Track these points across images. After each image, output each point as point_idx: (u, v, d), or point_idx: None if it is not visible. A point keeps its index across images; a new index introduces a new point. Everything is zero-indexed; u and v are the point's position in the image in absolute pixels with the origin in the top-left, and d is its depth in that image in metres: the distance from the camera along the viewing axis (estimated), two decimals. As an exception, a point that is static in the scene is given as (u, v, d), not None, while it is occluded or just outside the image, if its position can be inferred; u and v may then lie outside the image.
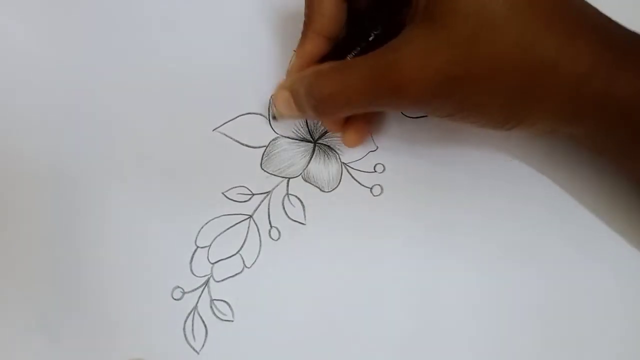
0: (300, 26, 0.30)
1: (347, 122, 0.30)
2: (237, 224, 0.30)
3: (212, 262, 0.29)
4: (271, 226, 0.30)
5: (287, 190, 0.30)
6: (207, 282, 0.29)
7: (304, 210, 0.30)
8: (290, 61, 0.32)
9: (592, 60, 0.23)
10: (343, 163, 0.31)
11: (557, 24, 0.23)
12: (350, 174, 0.31)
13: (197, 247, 0.29)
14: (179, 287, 0.29)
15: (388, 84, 0.24)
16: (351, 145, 0.31)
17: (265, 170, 0.31)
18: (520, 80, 0.24)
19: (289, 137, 0.31)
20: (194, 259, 0.29)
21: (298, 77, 0.27)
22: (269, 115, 0.32)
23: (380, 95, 0.25)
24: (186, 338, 0.28)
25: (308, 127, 0.32)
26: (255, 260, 0.29)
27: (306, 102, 0.27)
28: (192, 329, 0.28)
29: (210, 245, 0.30)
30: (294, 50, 0.29)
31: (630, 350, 0.28)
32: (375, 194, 0.30)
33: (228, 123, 0.31)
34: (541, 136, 0.30)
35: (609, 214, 0.29)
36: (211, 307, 0.29)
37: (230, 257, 0.29)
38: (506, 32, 0.23)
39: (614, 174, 0.29)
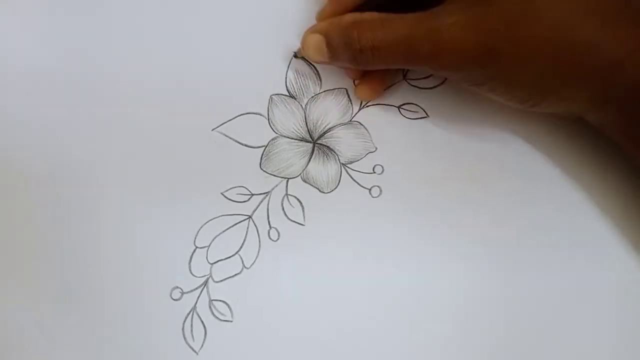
0: (300, 25, 0.30)
1: (364, 74, 0.30)
2: (236, 224, 0.30)
3: (211, 262, 0.29)
4: (270, 227, 0.30)
5: (287, 190, 0.30)
6: (206, 283, 0.29)
7: (303, 211, 0.30)
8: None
9: (629, 48, 0.24)
10: (342, 164, 0.31)
11: (599, 9, 0.24)
12: (350, 175, 0.31)
13: (196, 247, 0.29)
14: (177, 287, 0.29)
15: (427, 48, 0.25)
16: (364, 97, 0.31)
17: (264, 171, 0.31)
18: (556, 61, 0.24)
19: (288, 137, 0.31)
20: (192, 259, 0.29)
21: (334, 24, 0.28)
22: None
23: (416, 57, 0.26)
24: (185, 338, 0.28)
25: (307, 127, 0.32)
26: (254, 261, 0.29)
27: (343, 51, 0.27)
28: (191, 330, 0.28)
29: (209, 245, 0.30)
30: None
31: None
32: (374, 195, 0.30)
33: (227, 123, 0.31)
34: (566, 121, 0.30)
35: (623, 216, 0.30)
36: (210, 307, 0.29)
37: (229, 257, 0.29)
38: (550, 15, 0.24)
39: (635, 169, 0.29)
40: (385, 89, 0.31)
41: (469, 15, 0.25)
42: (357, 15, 0.27)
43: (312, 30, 0.28)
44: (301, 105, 0.32)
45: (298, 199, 0.30)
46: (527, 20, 0.24)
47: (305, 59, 0.31)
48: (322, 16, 0.29)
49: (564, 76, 0.25)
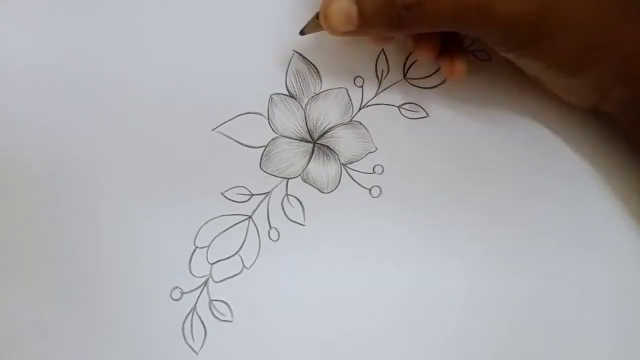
0: (300, 26, 0.30)
1: (442, 54, 0.29)
2: (236, 224, 0.30)
3: (211, 262, 0.29)
4: (270, 227, 0.30)
5: (287, 190, 0.30)
6: (206, 283, 0.29)
7: (303, 211, 0.30)
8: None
9: None
10: (342, 164, 0.31)
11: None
12: (350, 175, 0.31)
13: (196, 247, 0.29)
14: (177, 287, 0.29)
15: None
16: (425, 57, 0.29)
17: (264, 171, 0.31)
18: (593, 29, 0.25)
19: (288, 137, 0.31)
20: (192, 259, 0.29)
21: None
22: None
23: (466, 9, 0.25)
24: (185, 338, 0.28)
25: (307, 127, 0.32)
26: (254, 261, 0.29)
27: (383, 13, 0.26)
28: (191, 330, 0.28)
29: (209, 245, 0.30)
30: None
31: None
32: (374, 196, 0.30)
33: (227, 123, 0.31)
34: (575, 114, 0.30)
35: (624, 216, 0.30)
36: (210, 307, 0.29)
37: (229, 257, 0.29)
38: None
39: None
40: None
41: None
42: None
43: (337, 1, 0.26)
44: (301, 105, 0.32)
45: (298, 199, 0.30)
46: None
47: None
48: None
49: (599, 47, 0.25)
